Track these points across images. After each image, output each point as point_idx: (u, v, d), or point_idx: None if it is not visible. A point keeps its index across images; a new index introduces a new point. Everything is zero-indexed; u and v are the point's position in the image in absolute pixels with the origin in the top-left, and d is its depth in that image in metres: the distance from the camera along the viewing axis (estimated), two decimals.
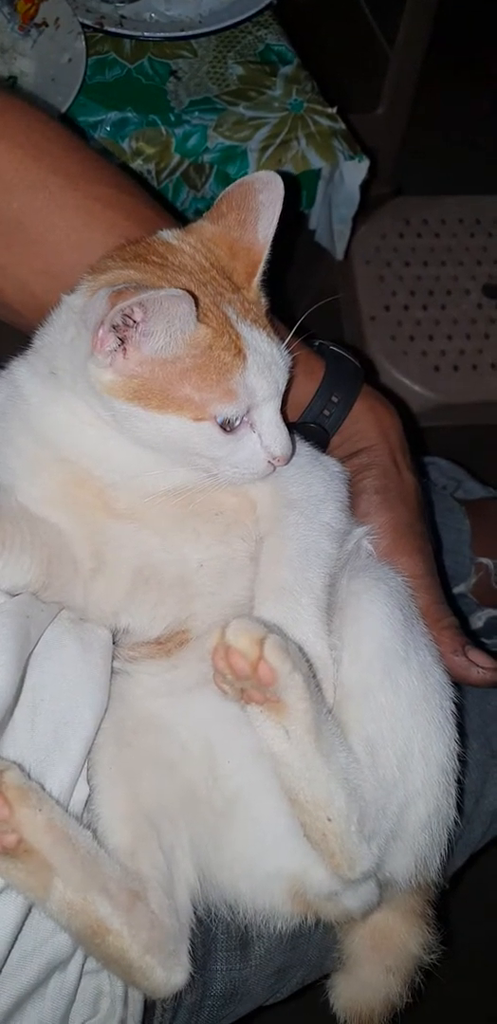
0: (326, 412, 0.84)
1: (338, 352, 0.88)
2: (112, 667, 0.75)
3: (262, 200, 0.75)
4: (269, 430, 0.72)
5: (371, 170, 1.42)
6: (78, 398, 0.71)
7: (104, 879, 0.66)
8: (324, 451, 0.84)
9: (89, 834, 0.68)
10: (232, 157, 1.34)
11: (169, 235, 0.75)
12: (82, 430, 0.72)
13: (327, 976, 0.81)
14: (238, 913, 0.73)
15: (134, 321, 0.65)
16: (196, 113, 1.34)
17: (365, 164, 1.39)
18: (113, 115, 1.32)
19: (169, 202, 1.36)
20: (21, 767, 0.66)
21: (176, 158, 1.33)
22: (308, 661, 0.67)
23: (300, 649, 0.67)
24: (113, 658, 0.75)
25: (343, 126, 1.38)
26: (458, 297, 1.97)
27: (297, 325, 0.78)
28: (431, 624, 0.79)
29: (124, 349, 0.66)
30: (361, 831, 0.66)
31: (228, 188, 0.77)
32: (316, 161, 1.37)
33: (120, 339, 0.66)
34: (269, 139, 1.34)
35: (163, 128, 1.32)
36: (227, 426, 0.69)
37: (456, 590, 1.13)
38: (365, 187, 1.43)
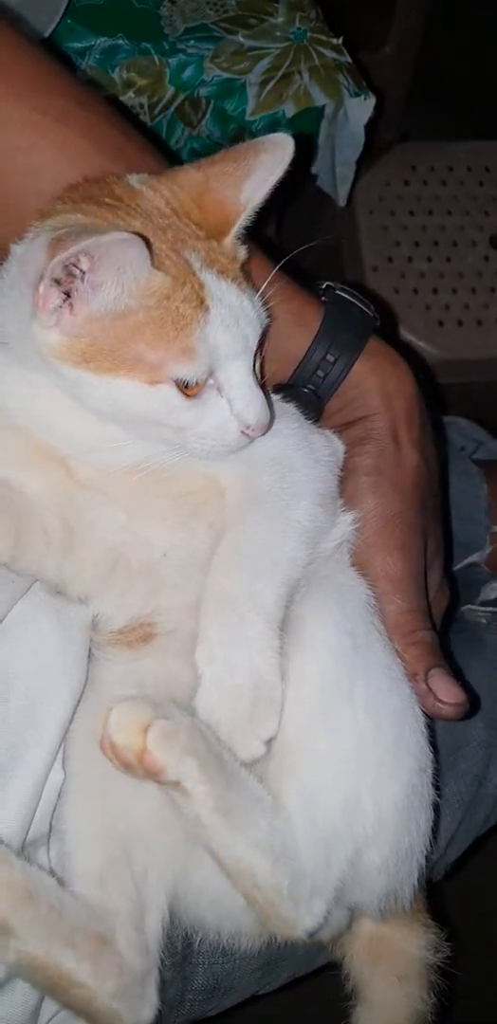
0: (320, 372, 0.75)
1: (344, 298, 0.78)
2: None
3: (263, 160, 0.67)
4: (239, 393, 0.64)
5: (377, 112, 1.33)
6: (29, 369, 0.64)
7: (69, 930, 0.61)
8: (317, 419, 0.75)
9: (53, 882, 0.63)
10: (230, 91, 1.25)
11: (133, 179, 0.67)
12: (32, 402, 0.66)
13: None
14: (209, 934, 0.69)
15: (81, 271, 0.58)
16: (192, 42, 1.25)
17: (371, 102, 1.31)
18: (102, 41, 1.23)
19: (162, 141, 1.27)
20: None
21: (170, 91, 1.24)
22: (206, 731, 0.61)
23: (200, 720, 0.61)
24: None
25: (349, 59, 1.29)
26: (464, 249, 1.89)
27: (284, 260, 0.70)
28: (399, 636, 0.71)
29: (70, 304, 0.59)
30: (295, 895, 0.61)
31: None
32: (320, 97, 1.28)
33: (65, 293, 0.59)
34: (270, 72, 1.25)
35: (156, 57, 1.23)
36: (187, 390, 0.62)
37: (469, 559, 1.06)
38: (370, 132, 1.34)
